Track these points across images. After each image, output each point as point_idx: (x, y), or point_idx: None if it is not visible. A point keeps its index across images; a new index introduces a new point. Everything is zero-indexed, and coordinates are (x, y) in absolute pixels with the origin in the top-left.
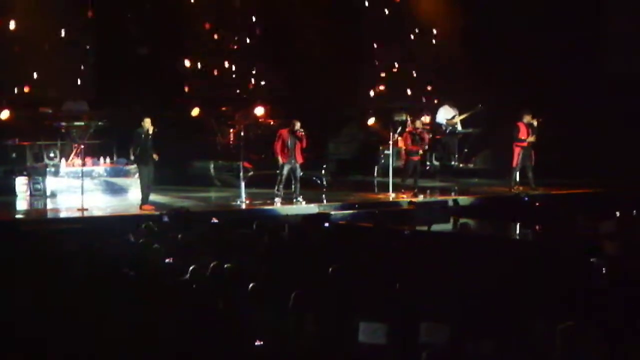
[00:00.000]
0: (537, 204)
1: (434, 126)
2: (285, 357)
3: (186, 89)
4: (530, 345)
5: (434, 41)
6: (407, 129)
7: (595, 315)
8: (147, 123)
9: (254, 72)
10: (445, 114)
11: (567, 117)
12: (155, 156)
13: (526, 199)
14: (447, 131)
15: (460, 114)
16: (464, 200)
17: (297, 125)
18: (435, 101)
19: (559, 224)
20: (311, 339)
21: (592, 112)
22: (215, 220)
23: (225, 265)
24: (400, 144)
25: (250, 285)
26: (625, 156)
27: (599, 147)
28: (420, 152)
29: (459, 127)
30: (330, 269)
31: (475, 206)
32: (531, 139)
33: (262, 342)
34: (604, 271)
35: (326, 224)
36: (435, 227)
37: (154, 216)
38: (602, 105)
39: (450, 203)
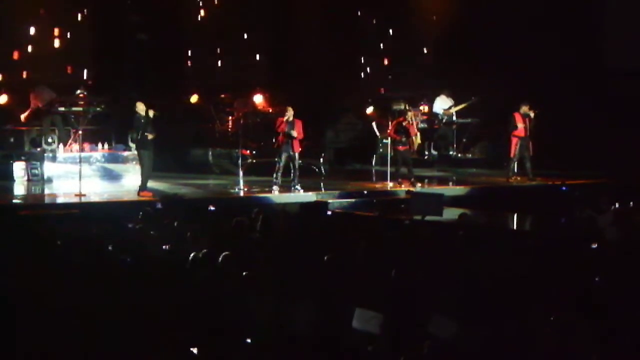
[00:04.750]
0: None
1: (432, 116)
2: (280, 350)
3: (185, 76)
4: (526, 336)
5: (431, 31)
6: (397, 119)
7: (593, 307)
8: (141, 106)
9: (253, 59)
10: (441, 104)
11: (564, 108)
12: (150, 136)
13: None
14: (444, 121)
15: (456, 105)
16: (461, 190)
17: (289, 112)
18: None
19: (558, 215)
20: (305, 327)
21: (589, 104)
22: (212, 208)
23: (223, 254)
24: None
25: (243, 273)
26: (622, 148)
27: (596, 138)
28: (417, 141)
29: (455, 118)
30: (326, 258)
31: (473, 196)
32: (526, 126)
33: (250, 340)
34: (602, 263)
35: (328, 212)
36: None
37: (149, 203)
38: (599, 97)
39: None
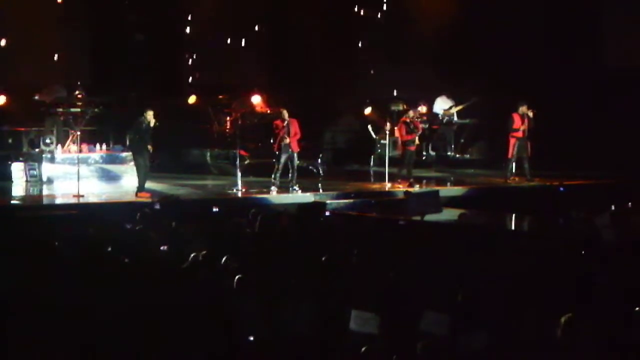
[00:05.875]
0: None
1: (431, 116)
2: (278, 350)
3: (183, 76)
4: (524, 336)
5: (430, 31)
6: (401, 119)
7: (593, 306)
8: (150, 116)
9: (251, 60)
10: (442, 105)
11: (563, 108)
12: (150, 147)
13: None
14: (444, 121)
15: (456, 105)
16: (459, 190)
17: (285, 114)
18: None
19: (555, 215)
20: (303, 327)
21: (588, 104)
22: (215, 209)
23: (225, 257)
24: (396, 133)
25: (237, 277)
26: (620, 148)
27: (595, 139)
28: (417, 142)
29: (455, 118)
30: (324, 258)
31: (471, 197)
32: (524, 127)
33: (253, 338)
34: (600, 263)
35: (327, 213)
36: (428, 218)
37: (147, 203)
38: (598, 97)
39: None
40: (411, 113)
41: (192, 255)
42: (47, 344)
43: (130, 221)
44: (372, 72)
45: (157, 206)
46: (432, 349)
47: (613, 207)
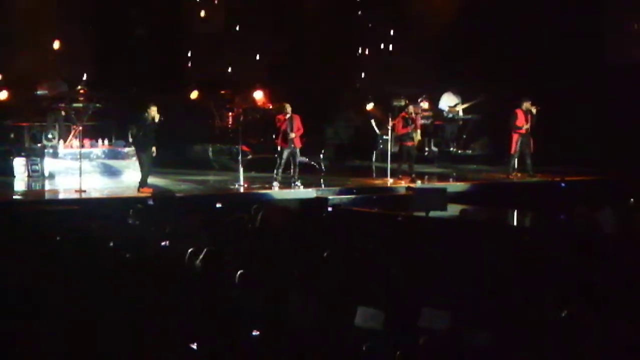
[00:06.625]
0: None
1: (435, 112)
2: (280, 345)
3: (185, 72)
4: (525, 334)
5: (434, 28)
6: (400, 114)
7: (594, 304)
8: (153, 111)
9: (253, 55)
10: (447, 101)
11: (566, 105)
12: (154, 149)
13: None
14: (449, 117)
15: (462, 103)
16: (462, 186)
17: (288, 108)
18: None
19: (557, 211)
20: (307, 323)
21: (591, 101)
22: (219, 205)
23: (227, 252)
24: (396, 128)
25: (239, 272)
26: (622, 145)
27: (597, 135)
28: (417, 137)
29: (461, 114)
30: (326, 254)
31: (473, 192)
32: (527, 123)
33: (258, 332)
34: (601, 259)
35: (329, 209)
36: (432, 214)
37: (141, 199)
38: (601, 94)
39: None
40: (411, 108)
41: (193, 250)
42: (47, 343)
43: (132, 217)
44: (374, 68)
45: (150, 202)
46: (435, 345)
47: (615, 203)
